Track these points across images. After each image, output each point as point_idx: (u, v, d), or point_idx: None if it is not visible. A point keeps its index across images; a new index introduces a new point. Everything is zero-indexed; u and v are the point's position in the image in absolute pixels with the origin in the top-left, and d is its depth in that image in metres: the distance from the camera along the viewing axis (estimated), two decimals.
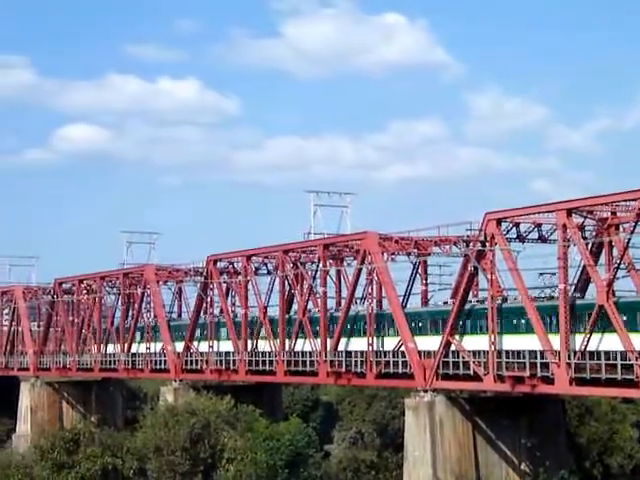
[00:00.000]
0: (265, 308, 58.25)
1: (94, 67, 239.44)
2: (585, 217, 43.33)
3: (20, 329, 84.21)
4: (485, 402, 47.55)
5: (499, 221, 44.11)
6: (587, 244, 43.06)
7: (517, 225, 45.18)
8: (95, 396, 77.28)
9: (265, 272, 61.92)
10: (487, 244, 43.91)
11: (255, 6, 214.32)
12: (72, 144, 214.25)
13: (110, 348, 72.25)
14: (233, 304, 63.35)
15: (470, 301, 46.52)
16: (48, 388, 77.12)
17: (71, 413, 76.32)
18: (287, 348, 55.28)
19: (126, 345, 69.65)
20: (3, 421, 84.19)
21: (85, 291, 76.73)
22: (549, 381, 41.11)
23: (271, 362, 56.17)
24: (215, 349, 61.49)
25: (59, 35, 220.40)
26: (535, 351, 41.48)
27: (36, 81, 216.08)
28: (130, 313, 71.63)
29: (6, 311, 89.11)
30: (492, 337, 43.13)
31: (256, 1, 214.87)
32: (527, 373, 41.48)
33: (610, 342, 38.66)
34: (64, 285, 79.56)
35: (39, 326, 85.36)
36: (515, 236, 45.35)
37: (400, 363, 47.89)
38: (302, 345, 54.89)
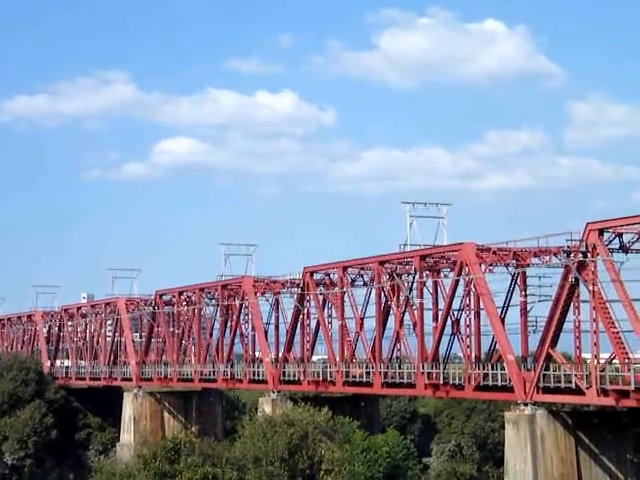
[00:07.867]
0: (362, 319, 58.23)
1: (193, 82, 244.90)
2: None
3: (123, 340, 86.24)
4: (588, 416, 46.47)
5: (601, 231, 43.18)
6: None
7: (620, 235, 44.11)
8: (195, 406, 78.49)
9: (361, 283, 61.96)
10: (589, 255, 42.96)
11: (351, 20, 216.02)
12: (171, 157, 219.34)
13: (209, 359, 73.20)
14: (330, 315, 63.53)
15: None
16: (150, 398, 78.50)
17: (172, 423, 77.54)
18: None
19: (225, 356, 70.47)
20: (107, 430, 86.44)
21: (185, 302, 78.13)
22: None
23: (368, 374, 56.07)
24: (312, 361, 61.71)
25: (158, 51, 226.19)
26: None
27: (136, 96, 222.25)
28: (229, 324, 72.57)
29: (109, 322, 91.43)
30: (595, 350, 42.15)
31: (352, 15, 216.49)
32: (632, 387, 40.35)
33: None
34: (164, 297, 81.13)
35: (141, 337, 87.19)
36: (618, 246, 44.27)
37: (499, 376, 47.20)
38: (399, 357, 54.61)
